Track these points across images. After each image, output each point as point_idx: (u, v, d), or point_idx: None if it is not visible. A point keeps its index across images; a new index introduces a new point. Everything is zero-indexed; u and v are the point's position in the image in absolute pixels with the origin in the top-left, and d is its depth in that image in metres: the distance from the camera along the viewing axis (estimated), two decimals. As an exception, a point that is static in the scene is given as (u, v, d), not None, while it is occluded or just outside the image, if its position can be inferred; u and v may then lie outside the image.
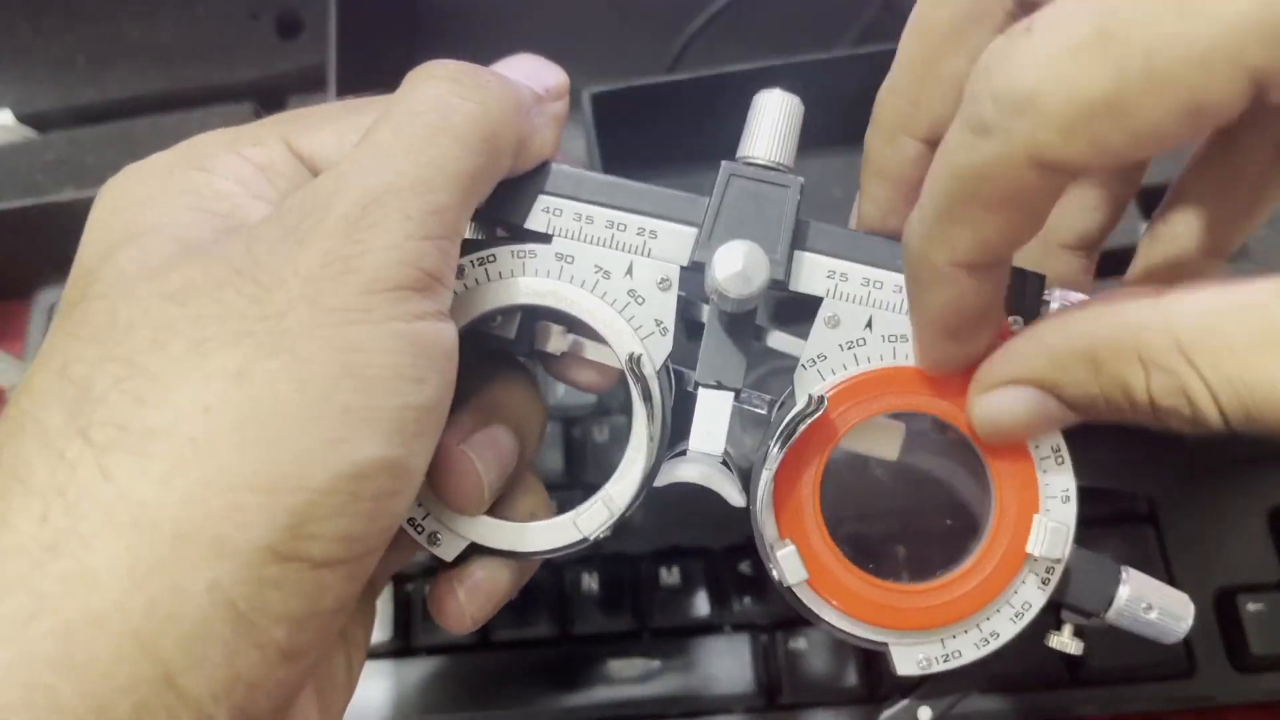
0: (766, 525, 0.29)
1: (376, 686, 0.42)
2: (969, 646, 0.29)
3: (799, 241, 0.29)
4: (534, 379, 0.32)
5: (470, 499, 0.29)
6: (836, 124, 0.33)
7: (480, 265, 0.29)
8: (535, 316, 0.30)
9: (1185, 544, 0.43)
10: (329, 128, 0.28)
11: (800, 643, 0.42)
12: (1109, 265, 0.45)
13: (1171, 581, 0.42)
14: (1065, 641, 0.29)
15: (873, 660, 0.42)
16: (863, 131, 0.31)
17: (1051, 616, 0.30)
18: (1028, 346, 0.26)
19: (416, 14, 0.57)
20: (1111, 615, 0.29)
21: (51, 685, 0.20)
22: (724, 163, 0.29)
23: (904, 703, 0.30)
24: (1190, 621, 0.29)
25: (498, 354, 0.31)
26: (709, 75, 0.45)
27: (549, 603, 0.43)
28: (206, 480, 0.22)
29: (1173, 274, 0.28)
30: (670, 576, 0.43)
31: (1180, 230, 0.29)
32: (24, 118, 0.54)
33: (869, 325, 0.28)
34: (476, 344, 0.30)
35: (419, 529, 0.29)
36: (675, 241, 0.29)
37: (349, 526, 0.23)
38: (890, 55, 0.39)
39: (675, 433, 0.29)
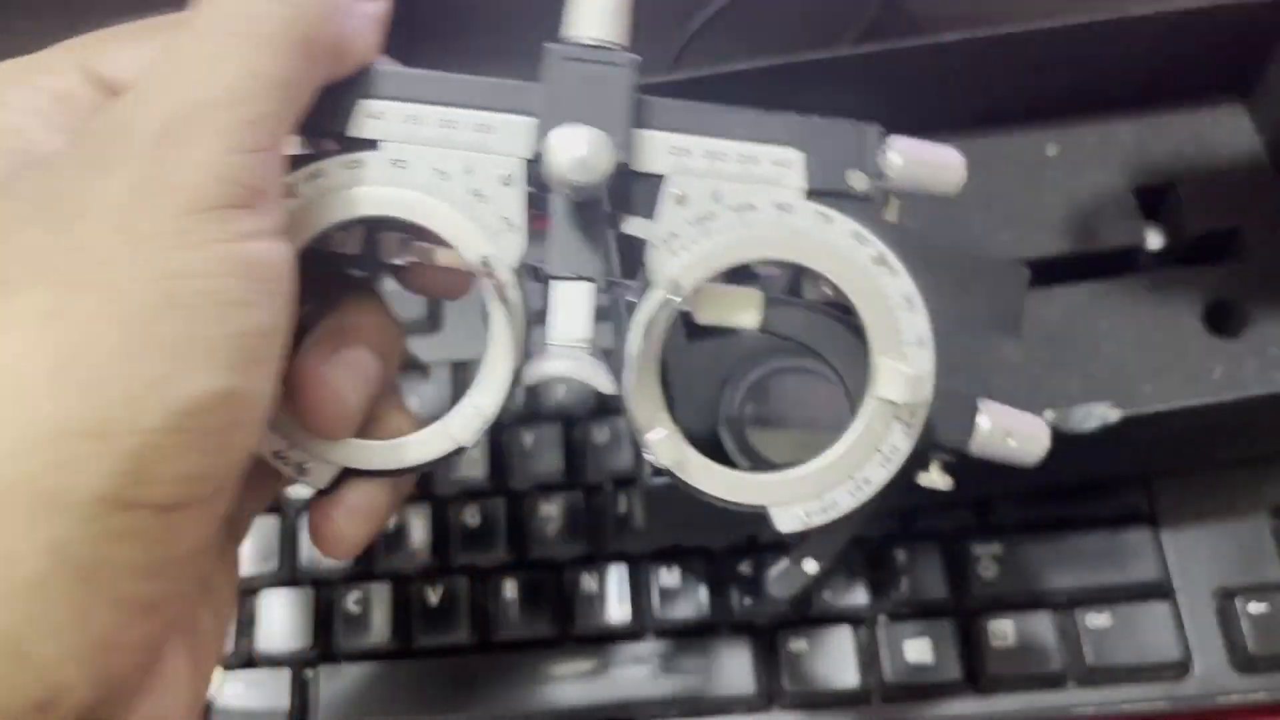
0: (638, 412, 0.28)
1: (376, 686, 0.42)
2: (845, 496, 0.29)
3: (638, 120, 0.28)
4: (384, 298, 0.31)
5: (336, 422, 0.27)
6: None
7: (310, 180, 0.27)
8: (378, 229, 0.29)
9: (1185, 544, 0.43)
10: (130, 49, 0.26)
11: (800, 643, 0.42)
12: (1110, 264, 0.45)
13: (1171, 583, 0.42)
14: (934, 479, 0.30)
15: (872, 660, 0.42)
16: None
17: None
18: None
19: (415, 12, 0.57)
20: (974, 448, 0.29)
21: None
22: (547, 45, 0.27)
23: (785, 562, 0.31)
24: (1046, 443, 0.30)
25: (345, 274, 0.30)
26: (709, 75, 0.45)
27: (549, 602, 0.43)
28: (26, 432, 0.20)
29: None
30: (670, 576, 0.43)
31: None
32: (23, 117, 0.54)
33: (717, 198, 0.28)
34: (321, 265, 0.29)
35: (285, 461, 0.28)
36: (513, 134, 0.27)
37: (192, 466, 0.21)
38: (892, 55, 0.40)
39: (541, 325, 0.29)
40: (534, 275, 0.29)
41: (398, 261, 0.29)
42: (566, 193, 0.27)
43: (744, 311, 0.29)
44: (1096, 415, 0.38)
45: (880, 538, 0.44)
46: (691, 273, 0.28)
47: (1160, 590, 0.42)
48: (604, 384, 0.28)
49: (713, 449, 0.43)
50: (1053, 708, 0.41)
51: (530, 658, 0.43)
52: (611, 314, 0.31)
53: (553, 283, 0.28)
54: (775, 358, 0.38)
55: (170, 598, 0.23)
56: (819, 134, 0.28)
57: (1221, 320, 0.45)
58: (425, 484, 0.45)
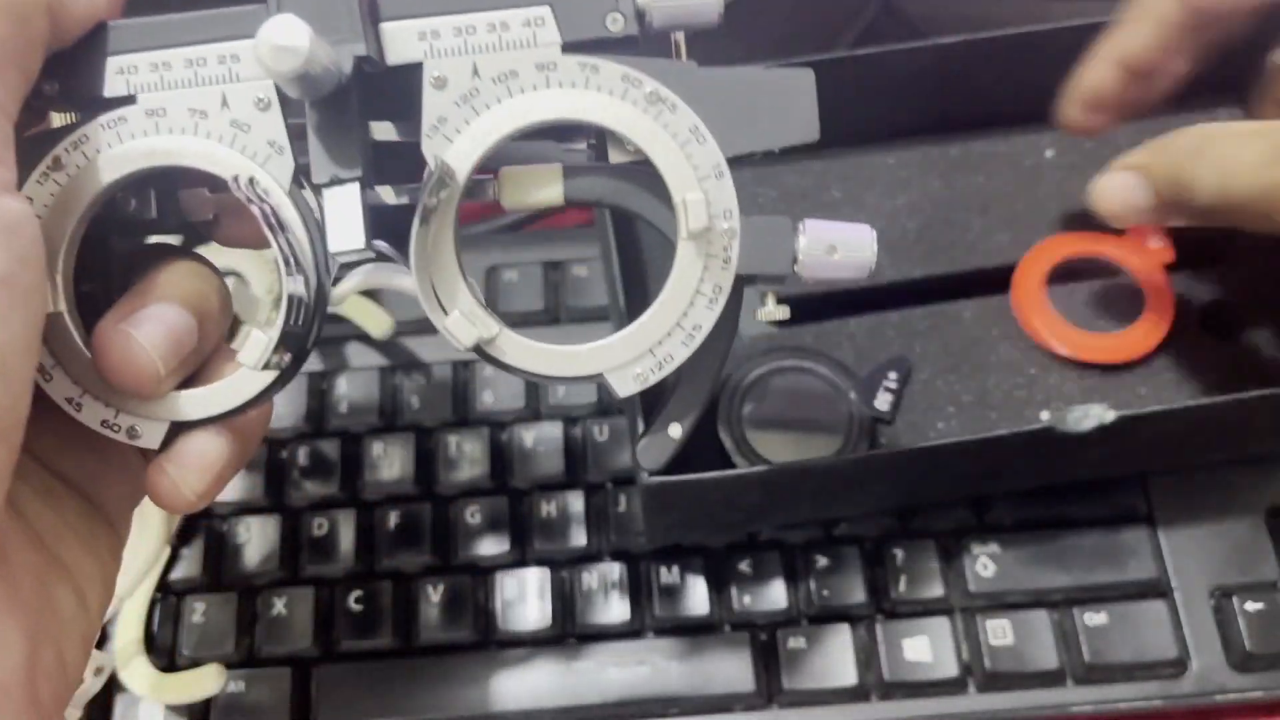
0: (431, 299, 0.28)
1: (378, 685, 0.42)
2: (677, 346, 0.29)
3: (378, 14, 0.28)
4: (201, 258, 0.30)
5: (140, 377, 0.27)
6: (836, 126, 0.33)
7: (76, 149, 0.27)
8: (168, 188, 0.29)
9: (1182, 543, 0.43)
10: None
11: (800, 642, 0.42)
12: (1106, 268, 0.45)
13: (1169, 581, 0.43)
14: (771, 311, 0.30)
15: (871, 658, 0.42)
16: (863, 134, 0.31)
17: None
18: (1143, 149, 0.38)
19: None
20: (800, 270, 0.29)
21: None
22: None
23: (648, 435, 0.31)
24: (874, 247, 0.29)
25: (153, 242, 0.30)
26: None
27: (549, 600, 0.43)
28: None
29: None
30: (670, 576, 0.43)
31: None
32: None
33: (476, 72, 0.28)
34: (123, 234, 0.30)
35: (115, 429, 0.28)
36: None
37: None
38: (889, 57, 0.40)
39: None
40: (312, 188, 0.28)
41: (200, 217, 0.29)
42: (295, 91, 0.27)
43: (546, 188, 0.29)
44: (1093, 416, 0.38)
45: (878, 536, 0.44)
46: (466, 155, 0.28)
47: (1157, 589, 0.43)
48: (406, 286, 0.28)
49: (710, 450, 0.44)
50: (1050, 706, 0.41)
51: (530, 656, 0.43)
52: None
53: (322, 192, 0.28)
54: (773, 359, 0.38)
55: None
56: None
57: (1216, 323, 0.45)
58: (426, 484, 0.45)
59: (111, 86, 0.28)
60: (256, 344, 0.28)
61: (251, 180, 0.27)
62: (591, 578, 0.43)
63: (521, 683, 0.42)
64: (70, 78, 0.27)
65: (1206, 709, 0.42)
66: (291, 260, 0.27)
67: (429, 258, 0.28)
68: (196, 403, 0.28)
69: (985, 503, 0.44)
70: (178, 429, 0.29)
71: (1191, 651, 0.42)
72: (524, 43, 0.28)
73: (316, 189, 0.28)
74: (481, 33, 0.28)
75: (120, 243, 0.30)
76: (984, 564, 0.43)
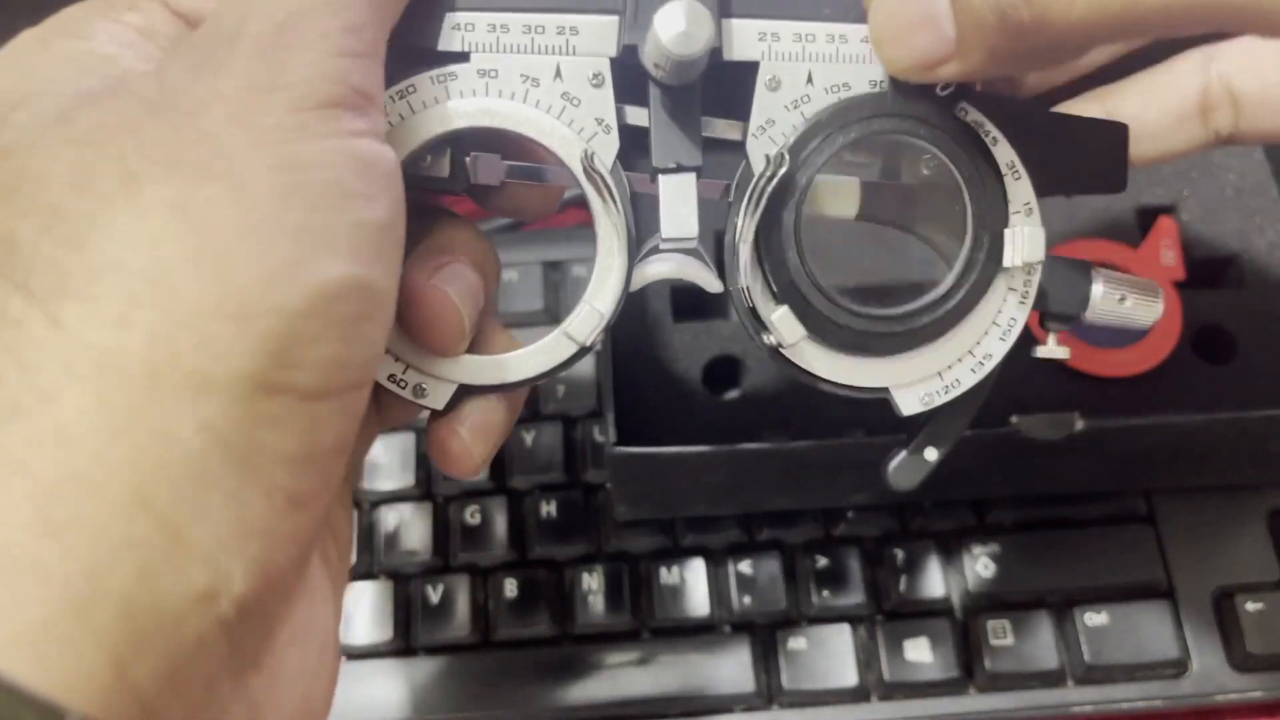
0: (755, 295, 0.28)
1: (376, 686, 0.42)
2: (966, 373, 0.29)
3: (725, 9, 0.28)
4: (471, 221, 0.31)
5: (451, 335, 0.27)
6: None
7: (402, 99, 0.27)
8: (467, 149, 0.29)
9: (1184, 544, 0.43)
10: None
11: (800, 643, 0.42)
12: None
13: (1170, 582, 0.43)
14: (1052, 350, 0.30)
15: (871, 659, 0.42)
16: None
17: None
18: None
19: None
20: (1090, 314, 0.29)
21: (35, 553, 0.18)
22: None
23: (905, 452, 0.31)
24: (1162, 303, 0.30)
25: (434, 201, 0.30)
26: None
27: (549, 602, 0.43)
28: (170, 313, 0.20)
29: None
30: (670, 576, 0.43)
31: None
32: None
33: (810, 80, 0.28)
34: (410, 187, 0.30)
35: (401, 384, 0.28)
36: (598, 33, 0.27)
37: (332, 352, 0.22)
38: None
39: (641, 231, 0.29)
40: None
41: (488, 181, 0.29)
42: (664, 74, 0.27)
43: (843, 201, 0.29)
44: (1062, 424, 0.38)
45: (878, 537, 0.44)
46: (787, 150, 0.28)
47: (1158, 589, 0.43)
48: (711, 283, 0.29)
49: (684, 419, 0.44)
50: (1051, 706, 0.41)
51: (530, 657, 0.43)
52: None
53: (660, 176, 0.28)
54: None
55: (318, 494, 0.23)
56: None
57: (1210, 346, 0.45)
58: (426, 483, 0.45)
59: (446, 41, 0.27)
60: (590, 320, 0.28)
61: (592, 156, 0.27)
62: (590, 578, 0.43)
63: (519, 683, 0.42)
64: (407, 27, 0.27)
65: (1207, 709, 0.42)
66: (617, 238, 0.28)
67: (750, 256, 0.28)
68: (485, 369, 0.29)
69: (985, 503, 0.44)
70: (464, 392, 0.28)
71: (1192, 652, 0.42)
72: (861, 58, 0.28)
73: (654, 173, 0.28)
74: (820, 41, 0.28)
75: (408, 194, 0.30)
76: (984, 564, 0.43)
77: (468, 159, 0.29)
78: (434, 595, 0.43)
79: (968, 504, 0.44)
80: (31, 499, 0.19)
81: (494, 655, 0.43)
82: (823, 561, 0.43)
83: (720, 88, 0.28)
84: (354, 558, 0.44)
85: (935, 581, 0.43)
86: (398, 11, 0.26)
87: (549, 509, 0.44)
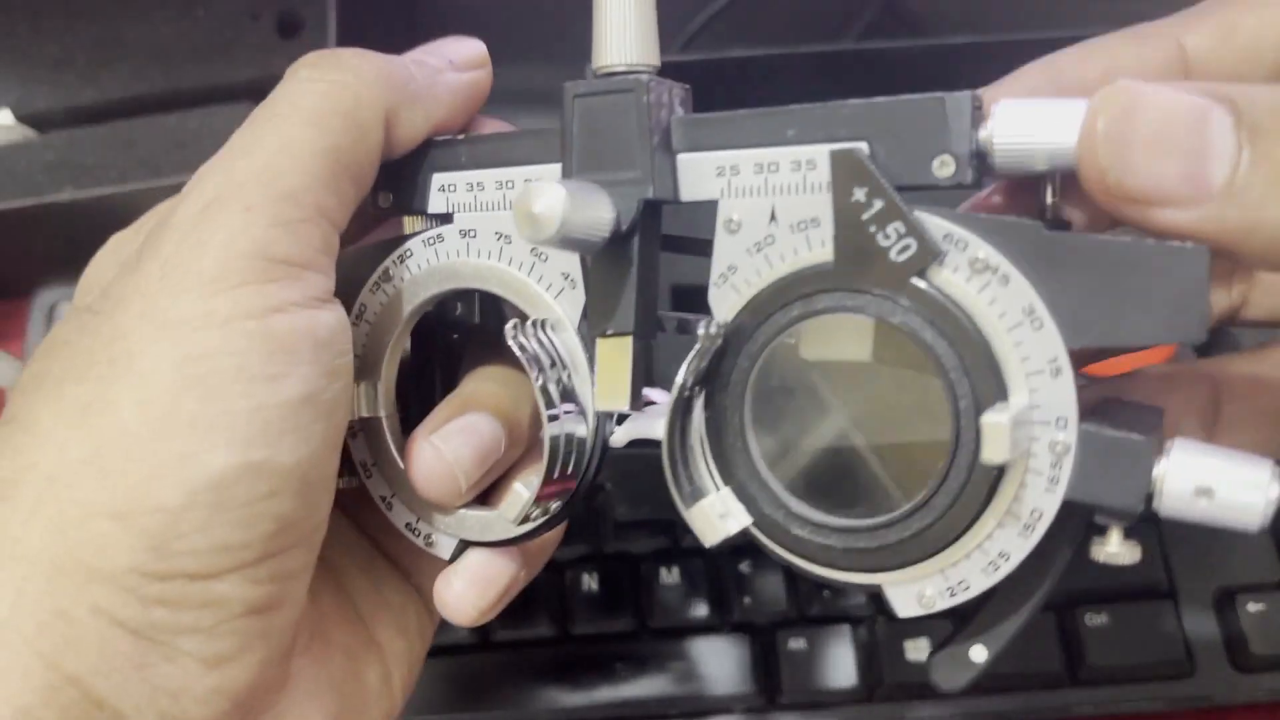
0: (694, 473, 0.26)
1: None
2: (975, 573, 0.24)
3: (678, 144, 0.25)
4: (518, 365, 0.30)
5: (441, 491, 0.27)
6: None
7: (402, 263, 0.28)
8: (492, 294, 0.29)
9: (1186, 543, 0.43)
10: None
11: (800, 643, 0.42)
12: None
13: (1172, 582, 0.42)
14: (1114, 552, 0.23)
15: (872, 660, 0.42)
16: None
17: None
18: None
19: (416, 13, 0.57)
20: (1159, 509, 0.22)
21: None
22: (565, 84, 0.25)
23: (950, 647, 0.26)
24: (1274, 494, 0.21)
25: (479, 341, 0.30)
26: (716, 59, 0.44)
27: (549, 603, 0.43)
28: (63, 513, 0.22)
29: None
30: (670, 576, 0.43)
31: None
32: (23, 117, 0.54)
33: (773, 218, 0.24)
34: (449, 334, 0.30)
35: (416, 533, 0.29)
36: None
37: (223, 537, 0.23)
38: (890, 54, 0.39)
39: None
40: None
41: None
42: (550, 248, 0.26)
43: (853, 343, 0.25)
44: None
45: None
46: (734, 312, 0.25)
47: (1160, 590, 0.42)
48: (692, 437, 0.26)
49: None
50: (1053, 707, 0.41)
51: (529, 658, 0.43)
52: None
53: (597, 342, 0.26)
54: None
55: (240, 653, 0.24)
56: (887, 118, 0.23)
57: (1211, 345, 0.45)
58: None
59: (434, 204, 0.28)
60: (516, 500, 0.27)
61: (543, 324, 0.27)
62: (590, 579, 0.43)
63: (520, 684, 0.42)
64: (400, 191, 0.28)
65: (1209, 710, 0.42)
66: (560, 400, 0.27)
67: (685, 436, 0.26)
68: (484, 525, 0.29)
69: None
70: (466, 545, 0.29)
71: (1195, 653, 0.41)
72: (830, 186, 0.24)
73: (590, 339, 0.26)
74: (785, 171, 0.24)
75: (445, 341, 0.30)
76: (986, 565, 0.43)
77: (500, 303, 0.29)
78: (433, 596, 0.43)
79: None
80: None
81: (493, 656, 0.43)
82: (823, 562, 0.43)
83: (685, 218, 0.26)
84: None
85: (936, 582, 0.43)
86: (361, 170, 0.26)
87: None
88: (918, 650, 0.42)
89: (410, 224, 0.29)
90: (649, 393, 0.27)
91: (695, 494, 0.25)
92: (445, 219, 0.28)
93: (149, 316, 0.23)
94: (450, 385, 0.30)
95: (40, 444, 0.23)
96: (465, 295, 0.29)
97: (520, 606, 0.43)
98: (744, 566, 0.43)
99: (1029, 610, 0.25)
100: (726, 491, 0.25)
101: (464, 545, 0.29)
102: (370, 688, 0.28)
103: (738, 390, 0.25)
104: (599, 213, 0.24)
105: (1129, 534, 0.23)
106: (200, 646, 0.23)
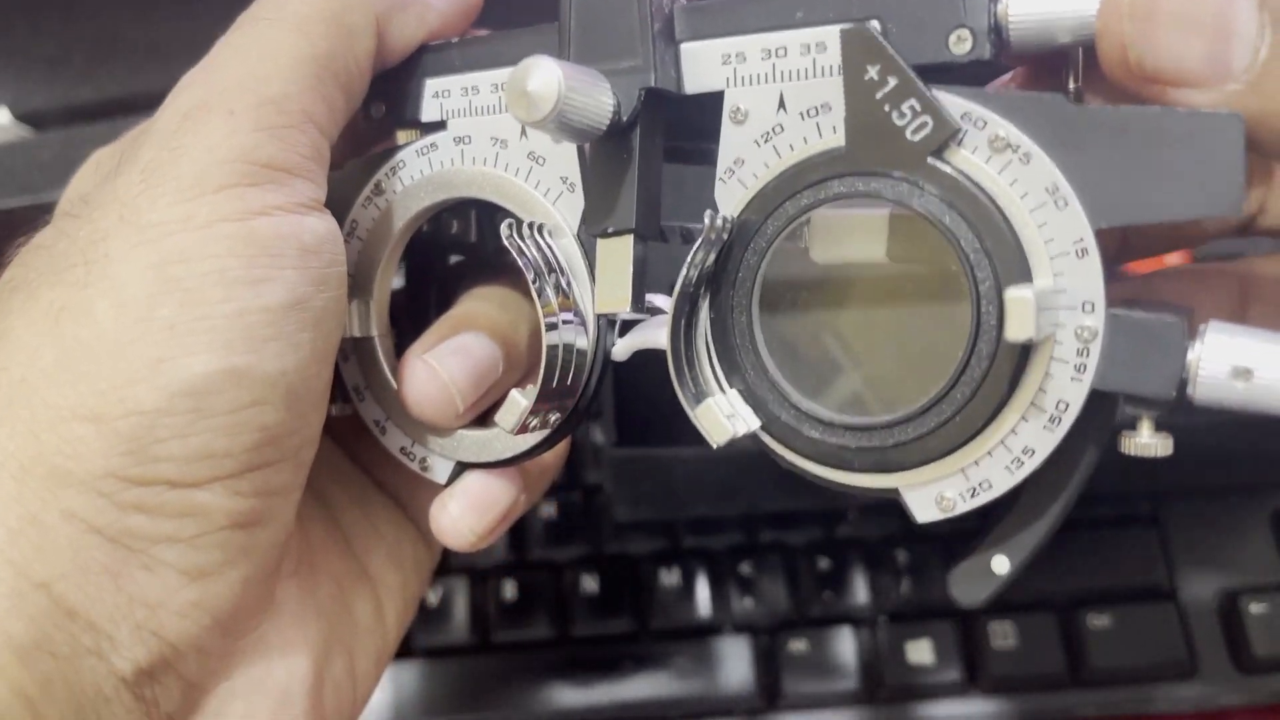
0: (701, 375, 0.25)
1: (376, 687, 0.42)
2: (998, 471, 0.23)
3: (681, 33, 0.24)
4: (520, 283, 0.29)
5: (437, 410, 0.27)
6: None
7: (394, 175, 0.27)
8: (489, 211, 0.28)
9: (1188, 545, 0.43)
10: None
11: (800, 643, 0.42)
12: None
13: (1174, 584, 0.42)
14: (1146, 443, 0.22)
15: (873, 661, 0.41)
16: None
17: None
18: None
19: None
20: (1194, 394, 0.21)
21: None
22: None
23: (970, 560, 0.25)
24: None
25: (474, 263, 0.30)
26: None
27: (549, 604, 0.43)
28: (35, 416, 0.22)
29: None
30: (670, 577, 0.43)
31: None
32: (21, 116, 0.54)
33: (781, 105, 0.23)
34: (446, 254, 0.29)
35: (410, 457, 0.28)
36: None
37: (204, 444, 0.22)
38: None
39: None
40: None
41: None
42: (545, 134, 0.25)
43: (867, 242, 0.24)
44: None
45: (881, 538, 0.44)
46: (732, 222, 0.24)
47: (1162, 591, 0.42)
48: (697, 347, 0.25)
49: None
50: (1054, 709, 0.41)
51: (529, 659, 0.42)
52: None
53: (597, 242, 0.25)
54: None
55: (227, 566, 0.23)
56: None
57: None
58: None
59: (428, 111, 0.27)
60: (513, 407, 0.26)
61: (539, 227, 0.26)
62: (590, 580, 0.43)
63: (520, 685, 0.42)
64: (394, 100, 0.27)
65: (1212, 712, 0.41)
66: (572, 310, 0.26)
67: (697, 328, 0.25)
68: (481, 446, 0.28)
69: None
70: (463, 468, 0.28)
71: (1197, 654, 0.41)
72: (841, 68, 0.23)
73: (589, 240, 0.25)
74: (793, 55, 0.23)
75: (441, 264, 0.29)
76: (987, 566, 0.43)
77: (497, 220, 0.28)
78: (433, 598, 0.43)
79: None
80: None
81: (493, 658, 0.42)
82: (824, 563, 0.43)
83: (699, 115, 0.25)
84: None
85: (938, 583, 0.42)
86: (350, 74, 0.25)
87: (548, 510, 0.44)
88: (919, 652, 0.41)
89: (404, 138, 0.28)
90: (653, 299, 0.25)
91: (701, 395, 0.24)
92: (439, 127, 0.27)
93: (128, 220, 0.22)
94: (444, 309, 0.29)
95: (11, 349, 0.22)
96: (461, 212, 0.28)
97: (520, 607, 0.43)
98: (745, 568, 0.43)
99: (1053, 517, 0.24)
100: (734, 394, 0.24)
101: (461, 468, 0.28)
102: (361, 620, 0.28)
103: (745, 288, 0.24)
104: (598, 96, 0.23)
105: (1160, 427, 0.22)
106: (180, 557, 0.22)
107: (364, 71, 0.25)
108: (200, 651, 0.23)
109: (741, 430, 0.24)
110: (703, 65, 0.24)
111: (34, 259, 0.24)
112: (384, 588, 0.29)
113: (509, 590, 0.43)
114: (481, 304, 0.28)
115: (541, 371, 0.26)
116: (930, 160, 0.22)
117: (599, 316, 0.26)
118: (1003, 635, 0.41)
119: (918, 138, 0.22)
